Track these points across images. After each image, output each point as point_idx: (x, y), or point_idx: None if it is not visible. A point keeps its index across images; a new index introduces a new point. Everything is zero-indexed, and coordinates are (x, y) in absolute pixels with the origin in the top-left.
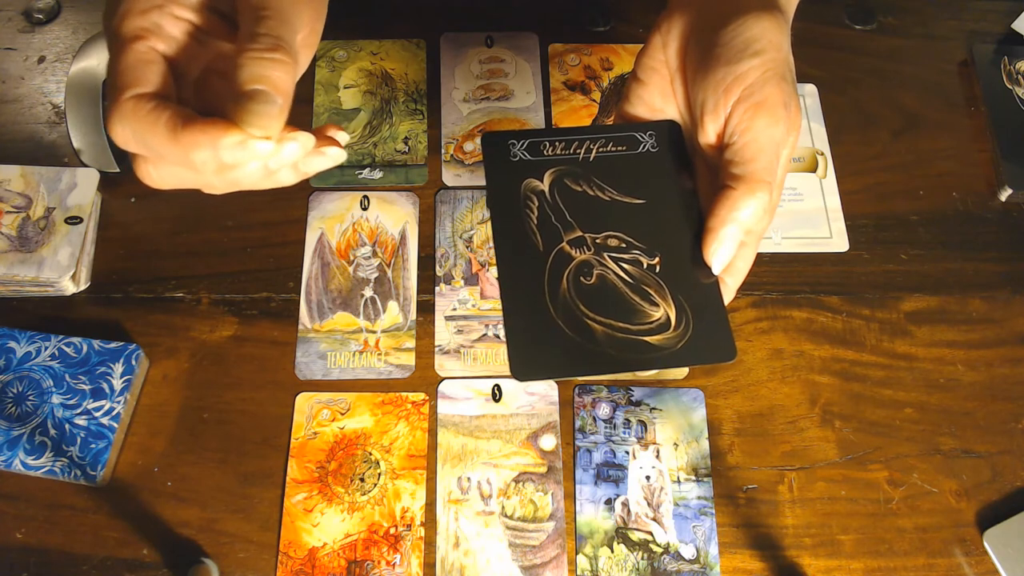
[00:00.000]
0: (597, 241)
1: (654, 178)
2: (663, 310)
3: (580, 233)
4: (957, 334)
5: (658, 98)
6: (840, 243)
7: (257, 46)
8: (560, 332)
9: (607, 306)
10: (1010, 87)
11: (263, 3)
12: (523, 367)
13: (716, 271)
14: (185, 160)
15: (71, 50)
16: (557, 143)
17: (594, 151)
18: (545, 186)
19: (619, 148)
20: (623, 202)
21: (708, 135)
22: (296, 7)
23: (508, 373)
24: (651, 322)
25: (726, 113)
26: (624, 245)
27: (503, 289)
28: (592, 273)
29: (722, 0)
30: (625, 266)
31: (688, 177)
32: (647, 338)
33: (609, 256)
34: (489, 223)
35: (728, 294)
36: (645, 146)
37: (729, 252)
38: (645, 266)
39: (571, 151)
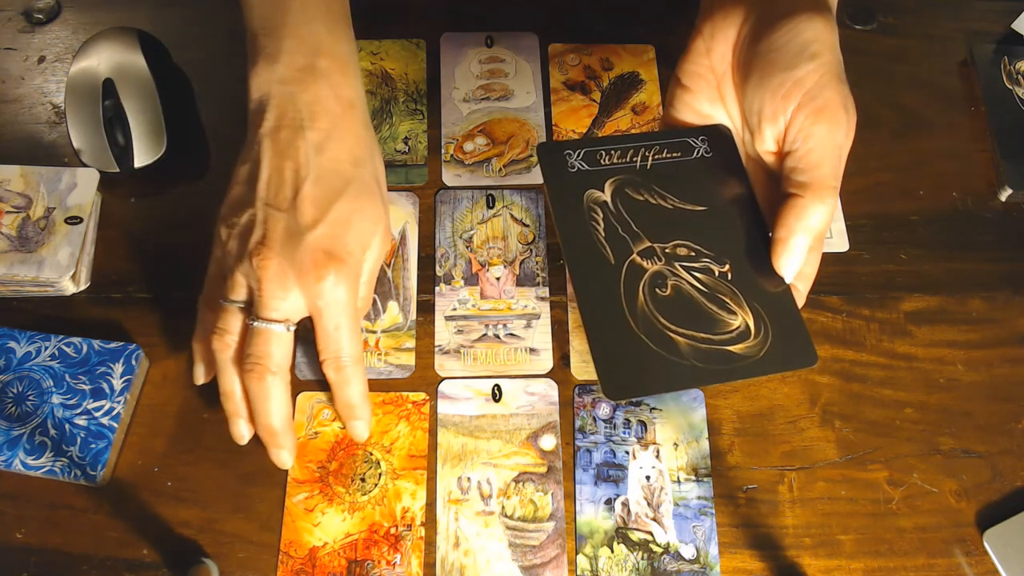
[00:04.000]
0: (666, 251)
1: (711, 183)
2: (741, 318)
3: (648, 243)
4: (957, 334)
5: (706, 104)
6: (840, 243)
7: (332, 366)
8: (645, 347)
9: (686, 317)
10: (1010, 87)
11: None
12: (616, 387)
13: (789, 280)
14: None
15: (71, 50)
16: (613, 151)
17: (650, 158)
18: (607, 196)
19: (674, 154)
20: (685, 209)
21: (767, 141)
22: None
23: (508, 373)
24: (731, 331)
25: (786, 119)
26: (693, 254)
27: (582, 305)
28: (667, 284)
29: (769, 2)
30: (697, 275)
31: (743, 181)
32: (730, 347)
33: (680, 266)
34: (557, 235)
35: (800, 299)
36: (699, 151)
37: (800, 261)
38: (717, 274)
39: (628, 159)
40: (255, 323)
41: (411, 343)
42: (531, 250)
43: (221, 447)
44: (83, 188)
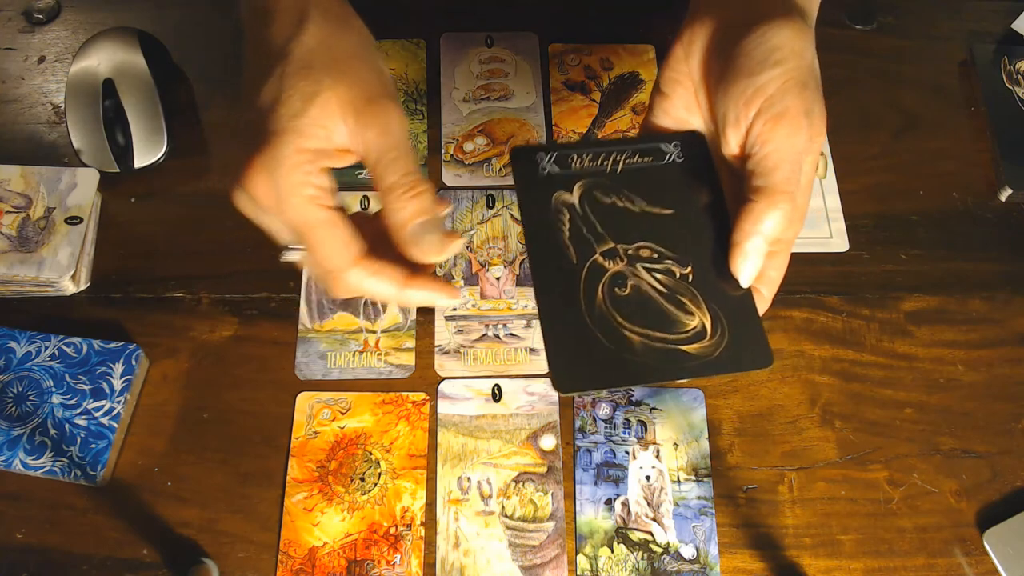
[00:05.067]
0: (629, 252)
1: (681, 188)
2: (698, 319)
3: (612, 245)
4: (957, 334)
5: (683, 110)
6: (840, 243)
7: (403, 190)
8: (598, 343)
9: (643, 316)
10: (1010, 87)
11: (386, 147)
12: (566, 380)
13: (744, 284)
14: (398, 299)
15: (71, 50)
16: (585, 155)
17: (621, 162)
18: (575, 199)
19: (645, 159)
20: (653, 213)
21: (731, 146)
22: (401, 124)
23: (508, 373)
24: (687, 331)
25: (747, 125)
26: (656, 255)
27: (540, 302)
28: (626, 284)
29: (744, 8)
30: (658, 276)
31: (714, 186)
32: (684, 347)
33: (642, 267)
34: (523, 236)
35: (763, 303)
36: (671, 156)
37: (755, 265)
38: (678, 276)
39: (599, 163)
40: (284, 256)
41: (411, 343)
42: None
43: (221, 447)
44: (83, 188)
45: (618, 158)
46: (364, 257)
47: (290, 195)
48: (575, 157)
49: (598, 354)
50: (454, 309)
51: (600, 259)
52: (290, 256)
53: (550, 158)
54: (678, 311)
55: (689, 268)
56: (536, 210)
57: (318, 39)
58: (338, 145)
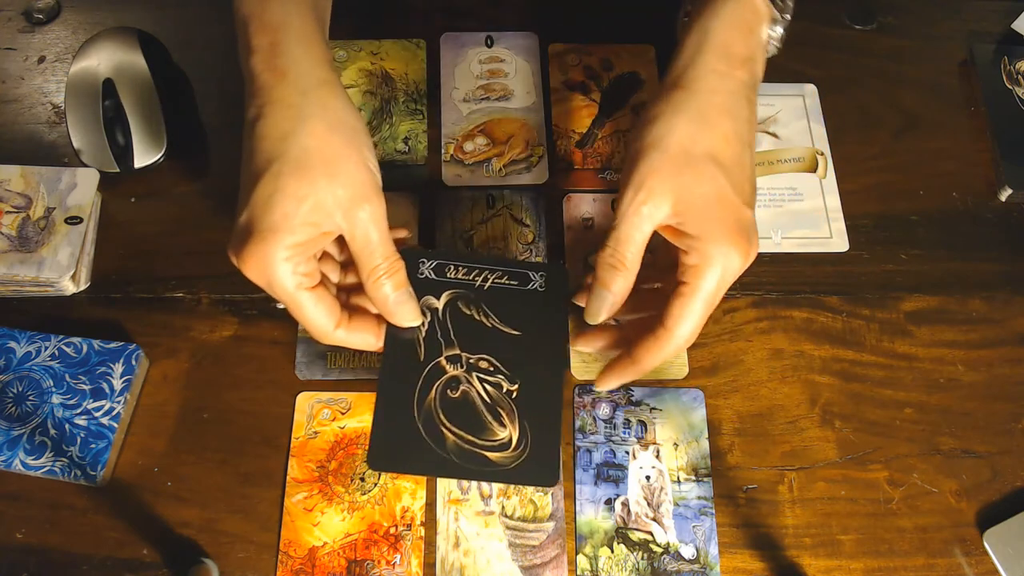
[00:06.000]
0: (471, 360)
1: (533, 314)
2: (508, 432)
3: (458, 351)
4: (957, 334)
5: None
6: (840, 243)
7: (383, 273)
8: (418, 435)
9: (463, 419)
10: (1010, 87)
11: (369, 240)
12: (379, 459)
13: (593, 314)
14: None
15: (71, 50)
16: (460, 268)
17: (490, 281)
18: (440, 304)
19: (512, 282)
20: (501, 330)
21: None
22: (383, 217)
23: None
24: (495, 440)
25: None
26: (492, 368)
27: (380, 385)
28: (459, 388)
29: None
30: (488, 387)
31: (562, 317)
32: (488, 453)
33: (477, 376)
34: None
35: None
36: (534, 284)
37: (599, 313)
38: (504, 390)
39: (470, 278)
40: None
41: None
42: (531, 250)
43: (221, 447)
44: (83, 188)
45: (489, 276)
46: (342, 320)
47: (279, 282)
48: (451, 268)
49: (414, 444)
50: None
51: (443, 362)
52: (281, 306)
53: (430, 265)
54: (494, 421)
55: (516, 385)
56: None
57: (315, 139)
58: (325, 231)
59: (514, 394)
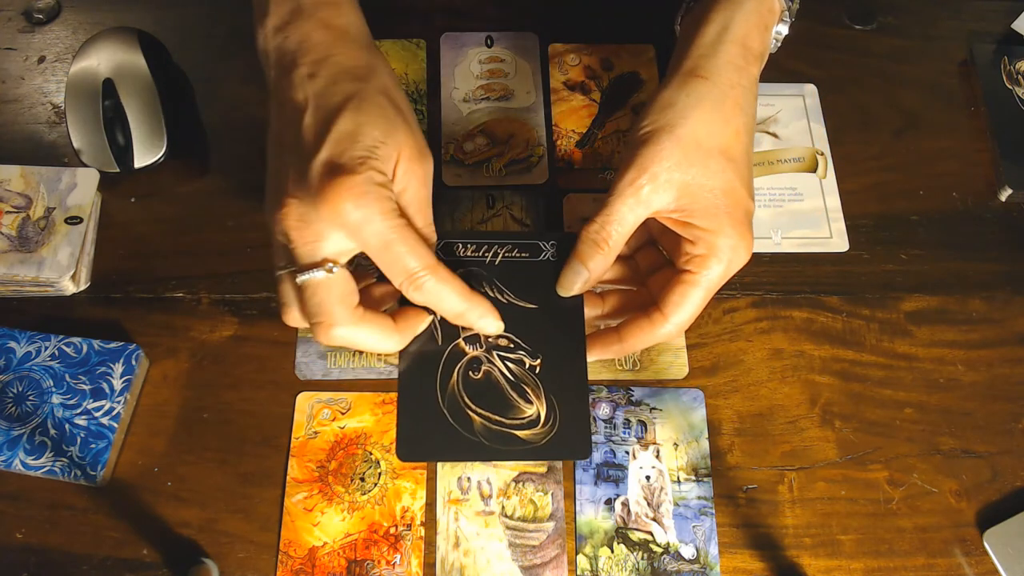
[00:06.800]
0: (489, 340)
1: (548, 286)
2: (536, 408)
3: (475, 331)
4: (957, 334)
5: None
6: (840, 243)
7: (410, 287)
8: (444, 421)
9: (488, 400)
10: (1010, 87)
11: (421, 200)
12: (407, 450)
13: (564, 286)
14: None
15: (71, 50)
16: (469, 245)
17: (501, 255)
18: None
19: (523, 255)
20: (517, 305)
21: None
22: (429, 178)
23: None
24: (523, 418)
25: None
26: (512, 345)
27: (401, 374)
28: (480, 369)
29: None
30: (510, 365)
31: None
32: (517, 432)
33: (497, 354)
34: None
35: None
36: (546, 255)
37: (574, 285)
38: (527, 366)
39: (480, 254)
40: (299, 278)
41: None
42: None
43: (221, 447)
44: (83, 188)
45: (499, 251)
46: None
47: (379, 213)
48: (460, 247)
49: (442, 430)
50: None
51: (462, 343)
52: (305, 278)
53: (438, 246)
54: (520, 399)
55: (539, 360)
56: None
57: (392, 79)
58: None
59: (537, 369)
